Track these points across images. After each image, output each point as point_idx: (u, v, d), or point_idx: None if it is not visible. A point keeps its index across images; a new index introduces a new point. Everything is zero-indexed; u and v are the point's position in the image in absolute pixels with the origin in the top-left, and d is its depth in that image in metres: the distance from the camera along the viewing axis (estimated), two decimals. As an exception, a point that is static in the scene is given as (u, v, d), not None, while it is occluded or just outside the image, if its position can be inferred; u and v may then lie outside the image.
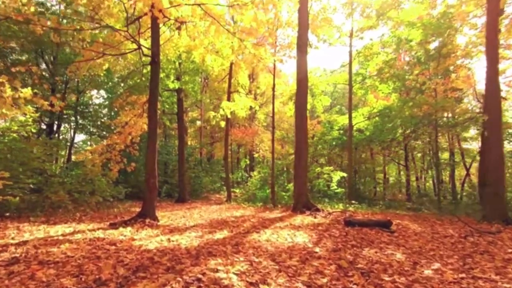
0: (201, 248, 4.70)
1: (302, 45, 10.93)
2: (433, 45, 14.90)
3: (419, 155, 21.26)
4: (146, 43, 10.08)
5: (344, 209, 10.60)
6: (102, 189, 10.19)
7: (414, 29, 13.28)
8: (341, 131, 18.55)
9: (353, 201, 11.58)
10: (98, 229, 6.28)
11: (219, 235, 5.95)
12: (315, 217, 8.34)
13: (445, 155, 21.56)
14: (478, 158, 22.01)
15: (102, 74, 12.23)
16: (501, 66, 10.45)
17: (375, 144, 19.34)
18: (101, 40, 10.02)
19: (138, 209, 8.27)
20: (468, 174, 20.01)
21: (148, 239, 5.40)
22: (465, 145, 19.46)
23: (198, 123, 25.99)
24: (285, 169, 19.24)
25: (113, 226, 6.58)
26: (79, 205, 9.66)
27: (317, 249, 4.78)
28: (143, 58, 8.81)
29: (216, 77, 18.02)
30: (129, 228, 6.35)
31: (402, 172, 23.71)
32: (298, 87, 11.16)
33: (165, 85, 13.82)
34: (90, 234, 5.61)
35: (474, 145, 20.12)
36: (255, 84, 25.32)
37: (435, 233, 6.20)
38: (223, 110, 12.52)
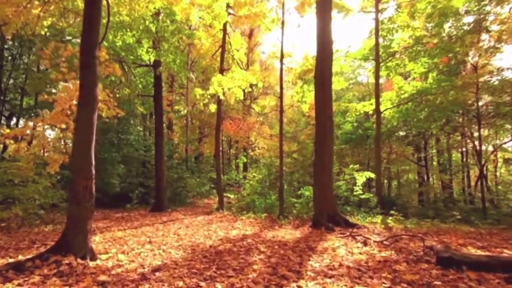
0: None
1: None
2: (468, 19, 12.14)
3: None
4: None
5: (386, 225, 7.45)
6: (27, 196, 6.68)
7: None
8: (355, 124, 15.46)
9: (392, 211, 8.40)
10: None
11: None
12: (365, 244, 5.10)
13: (457, 155, 18.96)
14: (491, 157, 19.72)
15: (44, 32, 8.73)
16: None
17: (394, 139, 16.40)
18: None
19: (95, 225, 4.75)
20: (485, 177, 17.40)
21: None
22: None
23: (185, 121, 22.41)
24: (284, 169, 15.87)
25: (-16, 278, 3.18)
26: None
27: None
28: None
29: (205, 54, 14.61)
30: (14, 284, 2.97)
31: (412, 173, 20.88)
32: (319, 52, 7.95)
33: (137, 56, 10.39)
34: None
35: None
36: (251, 73, 22.05)
37: None
38: (214, 87, 9.18)
